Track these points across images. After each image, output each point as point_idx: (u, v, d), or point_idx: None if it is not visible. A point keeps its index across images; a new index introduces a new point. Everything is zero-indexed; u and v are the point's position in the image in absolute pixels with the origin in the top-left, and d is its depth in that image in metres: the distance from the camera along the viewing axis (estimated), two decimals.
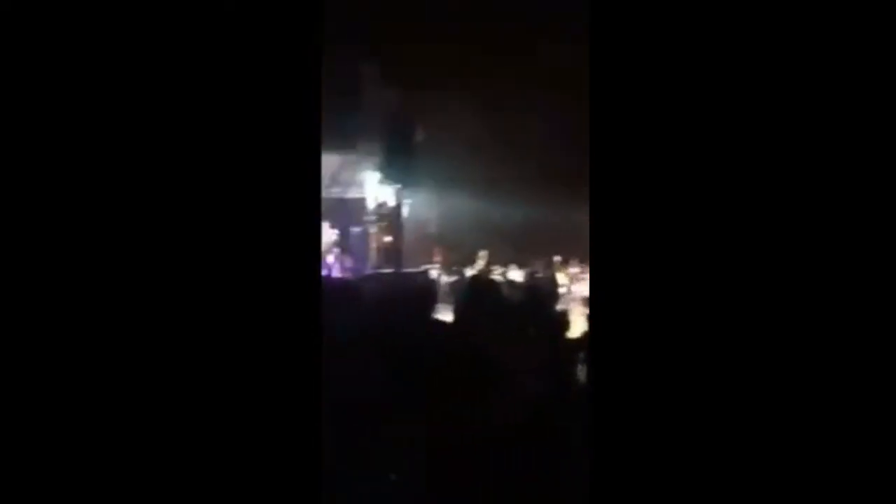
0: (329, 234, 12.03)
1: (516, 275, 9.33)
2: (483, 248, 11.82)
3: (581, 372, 2.77)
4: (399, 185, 11.40)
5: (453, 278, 10.24)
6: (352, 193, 12.62)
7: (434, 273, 11.31)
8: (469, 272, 10.50)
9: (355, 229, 12.22)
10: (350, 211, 12.61)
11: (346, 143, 12.24)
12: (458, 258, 12.40)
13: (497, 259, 11.82)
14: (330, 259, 11.88)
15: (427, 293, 3.73)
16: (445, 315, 3.57)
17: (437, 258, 12.80)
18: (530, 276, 8.61)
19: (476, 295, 3.62)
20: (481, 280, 5.16)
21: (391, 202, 11.81)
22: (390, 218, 11.82)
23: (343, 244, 11.95)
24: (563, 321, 3.37)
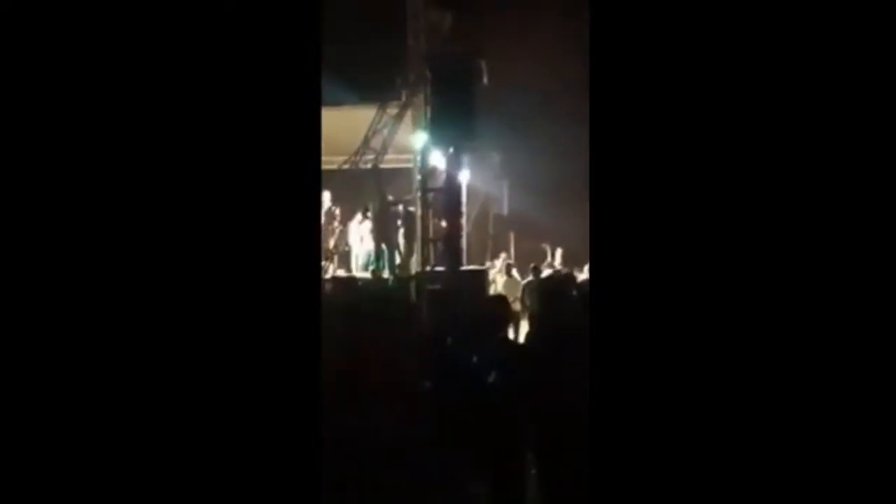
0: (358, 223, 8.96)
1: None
2: (574, 235, 8.67)
3: None
4: (453, 149, 8.23)
5: (529, 278, 8.01)
6: (391, 162, 9.39)
7: (500, 270, 8.88)
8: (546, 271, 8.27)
9: (397, 209, 9.05)
10: (390, 185, 9.26)
11: (381, 92, 8.98)
12: (533, 248, 9.33)
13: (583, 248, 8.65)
14: (357, 247, 8.77)
15: (497, 313, 3.13)
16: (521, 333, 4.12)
17: (507, 249, 9.68)
18: None
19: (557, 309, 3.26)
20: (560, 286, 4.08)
21: (445, 174, 8.65)
22: (444, 195, 8.60)
23: (383, 232, 8.69)
24: None
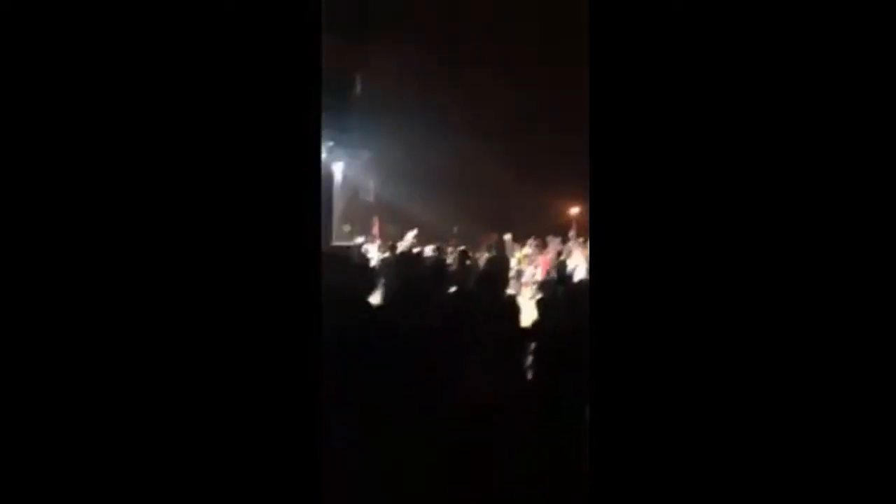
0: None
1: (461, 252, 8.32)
2: (427, 221, 10.53)
3: (527, 356, 2.71)
4: (331, 143, 9.77)
5: (387, 254, 8.95)
6: None
7: (370, 248, 10.04)
8: (404, 249, 9.23)
9: None
10: None
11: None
12: (396, 231, 11.12)
13: (440, 234, 10.51)
14: None
15: (363, 274, 3.48)
16: (378, 297, 3.46)
17: (376, 230, 11.44)
18: (477, 255, 8.06)
19: (412, 278, 3.51)
20: (417, 261, 5.09)
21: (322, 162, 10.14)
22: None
23: None
24: (510, 304, 3.09)
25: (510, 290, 4.49)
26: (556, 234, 10.44)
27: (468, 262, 6.90)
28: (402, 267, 4.66)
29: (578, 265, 7.86)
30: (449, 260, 7.56)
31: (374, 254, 9.92)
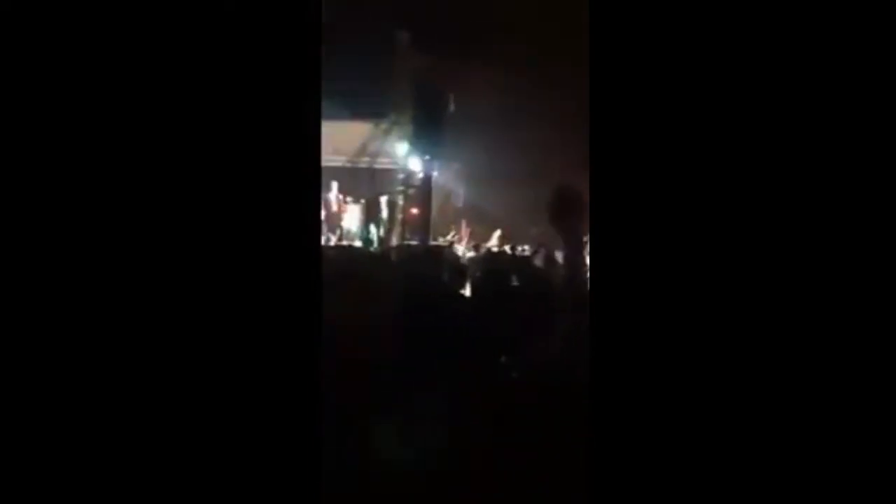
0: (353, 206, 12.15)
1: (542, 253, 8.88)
2: (510, 223, 11.76)
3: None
4: (428, 157, 11.11)
5: (473, 254, 9.91)
6: (381, 164, 12.62)
7: (460, 248, 11.27)
8: (491, 248, 10.29)
9: (383, 199, 12.23)
10: (379, 181, 12.68)
11: (376, 112, 12.28)
12: (484, 232, 12.43)
13: (522, 236, 11.75)
14: (353, 228, 11.99)
15: (454, 270, 3.84)
16: (469, 292, 3.60)
17: (464, 232, 12.80)
18: (557, 255, 8.67)
19: (497, 274, 3.59)
20: (502, 258, 5.42)
21: (420, 174, 11.52)
22: (418, 189, 11.63)
23: (371, 215, 12.01)
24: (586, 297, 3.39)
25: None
26: None
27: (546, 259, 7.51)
28: (486, 264, 4.87)
29: None
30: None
31: (461, 252, 11.29)
